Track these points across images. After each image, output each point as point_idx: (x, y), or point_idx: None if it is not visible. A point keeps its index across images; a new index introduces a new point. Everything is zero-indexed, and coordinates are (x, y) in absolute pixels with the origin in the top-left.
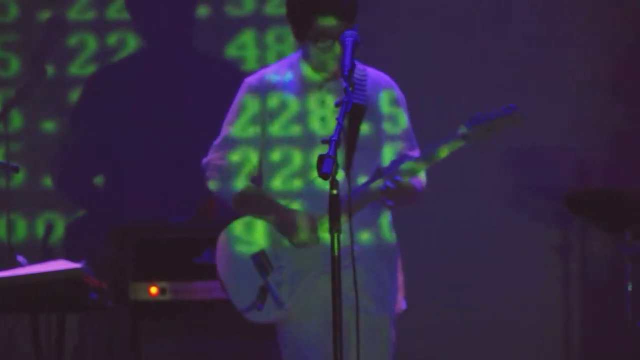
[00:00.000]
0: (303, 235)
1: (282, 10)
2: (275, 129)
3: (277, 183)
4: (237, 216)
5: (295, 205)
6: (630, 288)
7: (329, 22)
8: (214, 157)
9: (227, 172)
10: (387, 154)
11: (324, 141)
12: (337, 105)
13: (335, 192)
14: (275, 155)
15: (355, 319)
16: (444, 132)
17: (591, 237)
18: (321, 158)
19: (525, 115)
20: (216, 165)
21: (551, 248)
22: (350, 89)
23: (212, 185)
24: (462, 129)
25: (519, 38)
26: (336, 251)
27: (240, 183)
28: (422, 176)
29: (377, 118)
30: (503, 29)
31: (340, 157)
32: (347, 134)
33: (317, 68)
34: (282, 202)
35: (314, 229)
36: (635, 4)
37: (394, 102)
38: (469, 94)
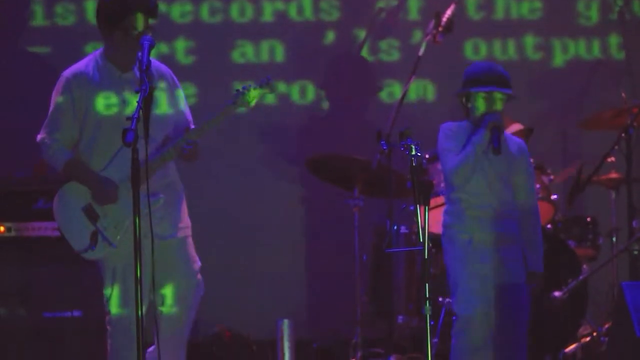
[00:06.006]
0: (104, 198)
1: None
2: (89, 111)
3: (93, 155)
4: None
5: (107, 172)
6: (357, 230)
7: (139, 19)
8: (44, 136)
9: (54, 148)
10: (174, 125)
11: (127, 118)
12: (137, 91)
13: (136, 156)
14: (90, 134)
15: (151, 245)
16: None
17: (327, 192)
18: (124, 131)
19: (276, 85)
20: (45, 143)
21: (296, 200)
22: (148, 80)
23: (45, 157)
24: (231, 101)
25: None
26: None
27: (65, 156)
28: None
29: (166, 98)
30: None
31: (141, 130)
32: (144, 112)
33: (118, 60)
34: (97, 168)
35: (112, 193)
36: None
37: (174, 85)
38: None
